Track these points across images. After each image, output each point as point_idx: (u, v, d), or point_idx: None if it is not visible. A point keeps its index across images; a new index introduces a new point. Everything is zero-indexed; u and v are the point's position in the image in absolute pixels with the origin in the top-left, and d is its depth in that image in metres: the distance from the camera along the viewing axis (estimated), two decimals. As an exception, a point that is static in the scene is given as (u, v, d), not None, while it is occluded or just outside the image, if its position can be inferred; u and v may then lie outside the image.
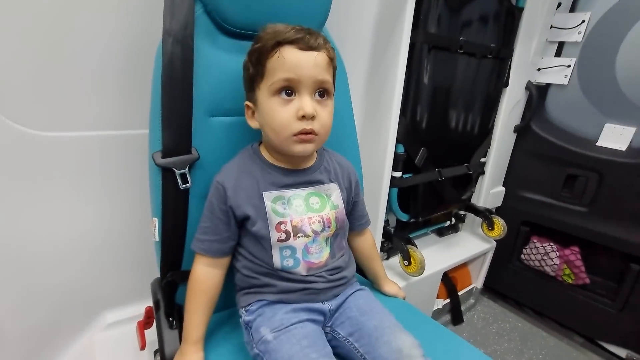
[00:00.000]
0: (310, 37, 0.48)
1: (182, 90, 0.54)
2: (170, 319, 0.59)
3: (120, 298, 0.84)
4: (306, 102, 0.48)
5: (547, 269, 1.40)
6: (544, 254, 1.40)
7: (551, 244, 1.38)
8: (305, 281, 0.54)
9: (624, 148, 1.17)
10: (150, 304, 0.64)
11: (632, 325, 1.21)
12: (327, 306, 0.56)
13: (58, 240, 0.74)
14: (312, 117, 0.49)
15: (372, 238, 0.73)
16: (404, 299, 0.74)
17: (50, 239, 0.73)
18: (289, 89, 0.49)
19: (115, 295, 0.83)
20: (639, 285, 1.18)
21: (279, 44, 0.47)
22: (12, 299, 0.72)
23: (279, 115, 0.49)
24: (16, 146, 0.64)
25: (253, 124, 0.55)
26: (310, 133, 0.50)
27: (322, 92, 0.51)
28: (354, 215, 0.66)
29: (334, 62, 0.53)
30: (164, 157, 0.54)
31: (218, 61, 0.59)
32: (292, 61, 0.47)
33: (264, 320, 0.52)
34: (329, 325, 0.56)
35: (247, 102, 0.54)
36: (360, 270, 0.76)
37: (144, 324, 0.72)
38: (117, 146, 0.73)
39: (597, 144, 1.23)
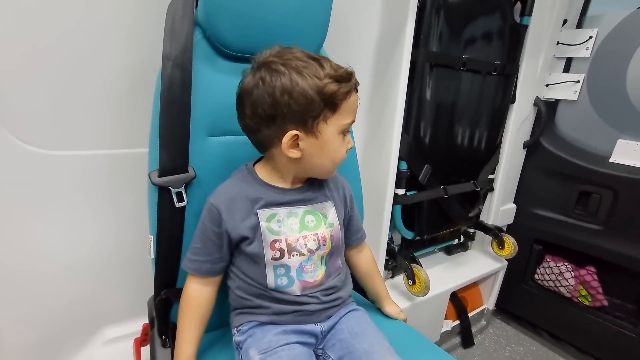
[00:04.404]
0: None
1: (180, 111, 0.56)
2: (164, 337, 0.59)
3: (121, 314, 0.84)
4: (350, 138, 0.56)
5: (562, 289, 1.34)
6: (558, 274, 1.34)
7: (566, 263, 1.33)
8: (299, 302, 0.54)
9: (639, 164, 1.13)
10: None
11: (655, 353, 1.14)
12: (319, 328, 0.55)
13: (61, 257, 0.76)
14: None
15: (371, 254, 0.71)
16: (405, 321, 0.72)
17: (54, 256, 0.75)
18: None
19: (116, 311, 0.84)
20: (661, 310, 1.11)
21: (355, 89, 0.52)
22: (15, 314, 0.73)
23: (342, 149, 0.55)
24: (25, 165, 0.67)
25: (292, 153, 0.51)
26: None
27: None
28: (350, 229, 0.65)
29: None
30: (160, 175, 0.55)
31: (217, 83, 0.61)
32: (356, 106, 0.54)
33: (253, 342, 0.51)
34: (320, 347, 0.55)
35: (293, 132, 0.49)
36: (361, 290, 0.74)
37: (141, 341, 0.72)
38: (122, 164, 0.75)
39: (610, 160, 1.19)
